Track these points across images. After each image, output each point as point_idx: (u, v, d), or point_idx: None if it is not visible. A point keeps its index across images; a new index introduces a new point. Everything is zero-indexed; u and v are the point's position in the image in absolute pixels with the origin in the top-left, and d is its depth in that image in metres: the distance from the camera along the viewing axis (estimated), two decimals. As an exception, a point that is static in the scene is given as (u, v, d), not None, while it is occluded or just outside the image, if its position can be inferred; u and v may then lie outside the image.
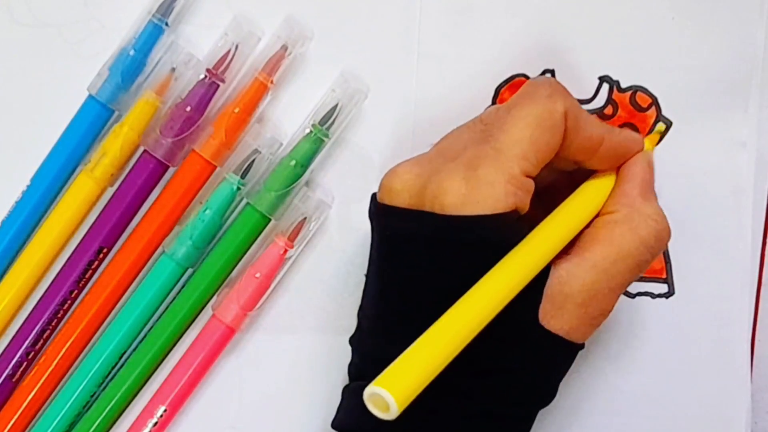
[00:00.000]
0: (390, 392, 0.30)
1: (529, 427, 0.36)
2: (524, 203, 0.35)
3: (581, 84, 0.41)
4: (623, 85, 0.42)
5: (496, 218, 0.33)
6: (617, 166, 0.37)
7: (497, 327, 0.33)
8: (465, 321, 0.32)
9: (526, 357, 0.34)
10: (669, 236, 0.36)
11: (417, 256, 0.34)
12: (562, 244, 0.35)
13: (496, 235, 0.34)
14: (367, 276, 0.37)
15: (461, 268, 0.34)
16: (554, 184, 0.38)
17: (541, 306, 0.34)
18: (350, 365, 0.37)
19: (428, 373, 0.31)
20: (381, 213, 0.36)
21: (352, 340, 0.37)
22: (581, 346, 0.36)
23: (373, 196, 0.37)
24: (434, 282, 0.34)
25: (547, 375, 0.35)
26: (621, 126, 0.41)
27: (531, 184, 0.35)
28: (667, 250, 0.42)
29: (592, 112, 0.42)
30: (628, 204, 0.36)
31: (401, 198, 0.35)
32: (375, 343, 0.35)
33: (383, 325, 0.35)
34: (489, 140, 0.34)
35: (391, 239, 0.35)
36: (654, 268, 0.42)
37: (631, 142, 0.37)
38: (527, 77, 0.41)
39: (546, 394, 0.36)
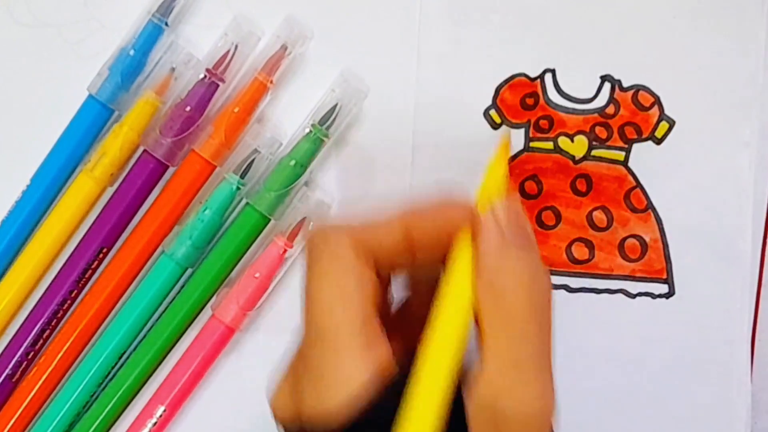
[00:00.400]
0: None
1: None
2: (384, 354, 0.31)
3: (583, 83, 0.41)
4: (625, 85, 0.42)
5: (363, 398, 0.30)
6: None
7: None
8: None
9: None
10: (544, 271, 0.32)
11: None
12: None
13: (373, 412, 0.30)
14: None
15: None
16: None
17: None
18: None
19: None
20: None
21: None
22: None
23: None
24: None
25: None
26: (623, 125, 0.42)
27: (379, 333, 0.31)
28: (668, 251, 0.42)
29: (593, 111, 0.42)
30: (485, 266, 0.31)
31: (283, 416, 0.33)
32: None
33: None
34: (309, 331, 0.32)
35: None
36: (655, 268, 0.42)
37: (443, 210, 0.33)
38: (527, 77, 0.41)
39: None
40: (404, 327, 0.34)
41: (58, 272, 0.40)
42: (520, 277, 0.31)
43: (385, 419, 0.30)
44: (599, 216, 0.42)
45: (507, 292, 0.31)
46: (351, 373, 0.31)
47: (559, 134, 0.42)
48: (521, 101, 0.42)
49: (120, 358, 0.40)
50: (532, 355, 0.31)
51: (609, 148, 0.42)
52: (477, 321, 0.31)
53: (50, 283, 0.40)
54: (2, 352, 0.40)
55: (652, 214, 0.42)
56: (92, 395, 0.40)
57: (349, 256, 0.32)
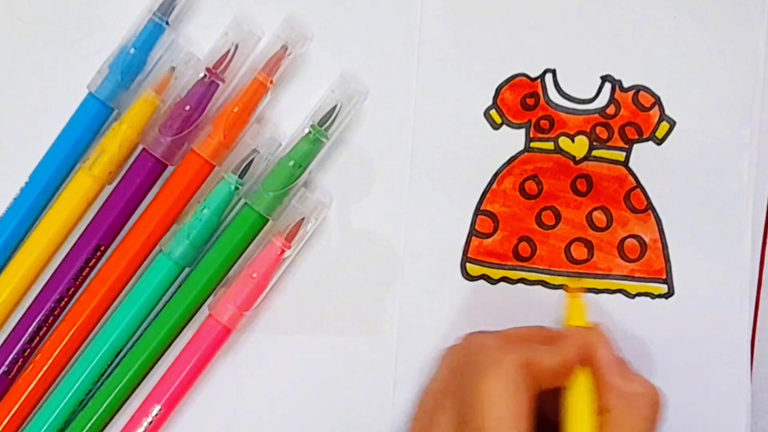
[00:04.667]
0: None
1: None
2: None
3: (583, 83, 0.43)
4: (626, 85, 0.43)
5: None
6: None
7: None
8: None
9: None
10: (659, 397, 0.38)
11: None
12: None
13: None
14: None
15: None
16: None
17: None
18: None
19: None
20: None
21: None
22: None
23: None
24: None
25: None
26: (624, 125, 0.43)
27: None
28: (667, 251, 0.43)
29: (594, 112, 0.43)
30: (617, 394, 0.38)
31: None
32: None
33: None
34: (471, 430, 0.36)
35: None
36: (654, 268, 0.43)
37: (578, 339, 0.39)
38: (528, 77, 0.43)
39: None
40: None
41: (56, 269, 0.41)
42: (641, 388, 0.38)
43: None
44: (599, 216, 0.43)
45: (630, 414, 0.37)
46: None
47: (560, 134, 0.43)
48: (522, 101, 0.43)
49: (116, 356, 0.41)
50: None
51: (610, 148, 0.43)
52: None
53: (47, 281, 0.41)
54: (-2, 350, 0.41)
55: (651, 215, 0.43)
56: (88, 393, 0.41)
57: (522, 373, 0.37)
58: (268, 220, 0.41)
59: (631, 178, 0.43)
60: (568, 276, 0.43)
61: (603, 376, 0.38)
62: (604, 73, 0.43)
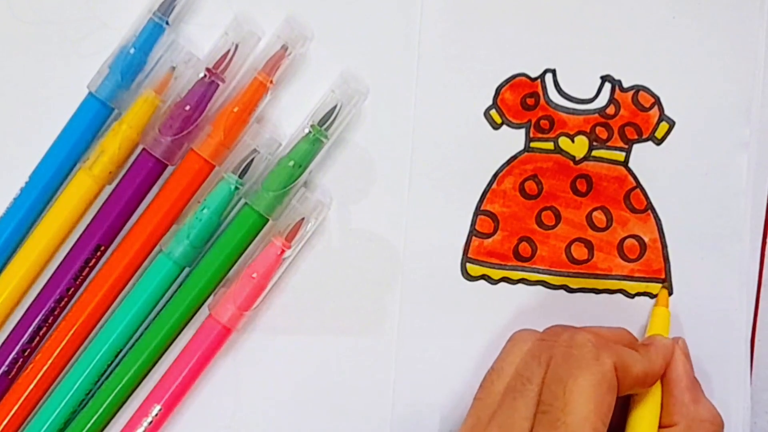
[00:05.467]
0: None
1: None
2: None
3: (583, 83, 0.43)
4: (625, 85, 0.43)
5: None
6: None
7: None
8: None
9: None
10: (722, 429, 0.39)
11: None
12: None
13: None
14: None
15: None
16: None
17: None
18: None
19: None
20: None
21: None
22: None
23: None
24: None
25: None
26: (623, 125, 0.43)
27: None
28: (667, 251, 0.43)
29: (594, 112, 0.43)
30: (685, 414, 0.39)
31: None
32: None
33: None
34: (557, 425, 0.36)
35: None
36: (653, 268, 0.43)
37: (664, 350, 0.40)
38: (528, 77, 0.43)
39: None
40: None
41: (56, 269, 0.41)
42: (710, 416, 0.39)
43: None
44: (599, 216, 0.43)
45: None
46: None
47: (560, 134, 0.43)
48: (522, 101, 0.43)
49: (116, 356, 0.41)
50: None
51: (609, 148, 0.43)
52: None
53: (47, 281, 0.41)
54: (-2, 349, 0.42)
55: (651, 215, 0.43)
56: (88, 393, 0.41)
57: (614, 376, 0.37)
58: (268, 220, 0.41)
59: (630, 178, 0.43)
60: (569, 276, 0.43)
61: (674, 391, 0.39)
62: (604, 73, 0.43)
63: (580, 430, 0.35)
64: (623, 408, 0.40)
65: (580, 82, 0.43)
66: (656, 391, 0.39)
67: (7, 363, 0.41)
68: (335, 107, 0.41)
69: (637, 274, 0.43)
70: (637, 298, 0.43)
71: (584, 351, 0.37)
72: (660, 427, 0.39)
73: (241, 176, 0.41)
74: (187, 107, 0.40)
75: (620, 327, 0.41)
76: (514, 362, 0.39)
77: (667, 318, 0.42)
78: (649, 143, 0.43)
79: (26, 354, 0.41)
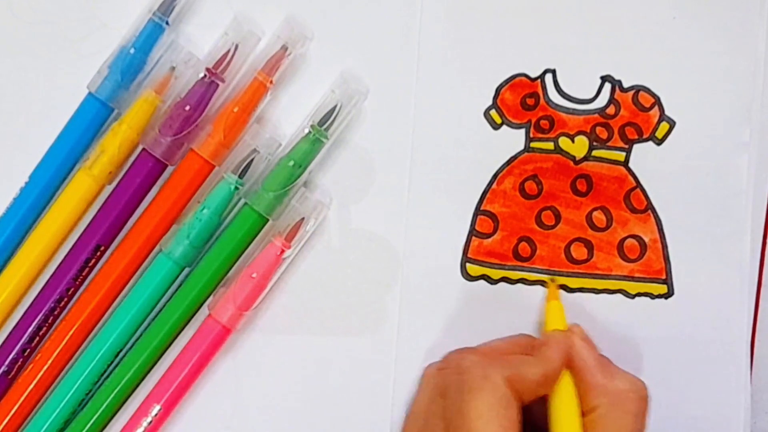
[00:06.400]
0: None
1: None
2: None
3: (583, 83, 0.43)
4: (625, 85, 0.43)
5: None
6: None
7: None
8: None
9: None
10: (645, 392, 0.39)
11: None
12: None
13: None
14: None
15: None
16: None
17: None
18: None
19: None
20: None
21: None
22: None
23: None
24: None
25: None
26: (624, 125, 0.43)
27: None
28: (667, 251, 0.43)
29: (594, 112, 0.43)
30: (603, 393, 0.38)
31: None
32: None
33: None
34: None
35: None
36: (654, 268, 0.43)
37: (559, 345, 0.39)
38: (527, 77, 0.43)
39: None
40: None
41: (56, 269, 0.41)
42: (628, 384, 0.38)
43: None
44: (599, 216, 0.43)
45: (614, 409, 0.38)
46: None
47: (560, 134, 0.43)
48: (522, 101, 0.43)
49: (116, 356, 0.41)
50: None
51: (609, 148, 0.43)
52: None
53: (47, 280, 0.41)
54: (-2, 349, 0.42)
55: (651, 215, 0.43)
56: (88, 393, 0.41)
57: (508, 389, 0.37)
58: (268, 220, 0.41)
59: (630, 178, 0.43)
60: (568, 276, 0.43)
61: (585, 377, 0.39)
62: (604, 73, 0.43)
63: None
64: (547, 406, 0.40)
65: (580, 82, 0.43)
66: (567, 385, 0.39)
67: (7, 363, 0.41)
68: (335, 107, 0.41)
69: (637, 275, 0.43)
70: (637, 298, 0.43)
71: (472, 374, 0.37)
72: (583, 416, 0.38)
73: (241, 176, 0.41)
74: (187, 107, 0.40)
75: (520, 333, 0.42)
76: (425, 401, 0.40)
77: (561, 311, 0.41)
78: (650, 143, 0.43)
79: (26, 354, 0.41)
